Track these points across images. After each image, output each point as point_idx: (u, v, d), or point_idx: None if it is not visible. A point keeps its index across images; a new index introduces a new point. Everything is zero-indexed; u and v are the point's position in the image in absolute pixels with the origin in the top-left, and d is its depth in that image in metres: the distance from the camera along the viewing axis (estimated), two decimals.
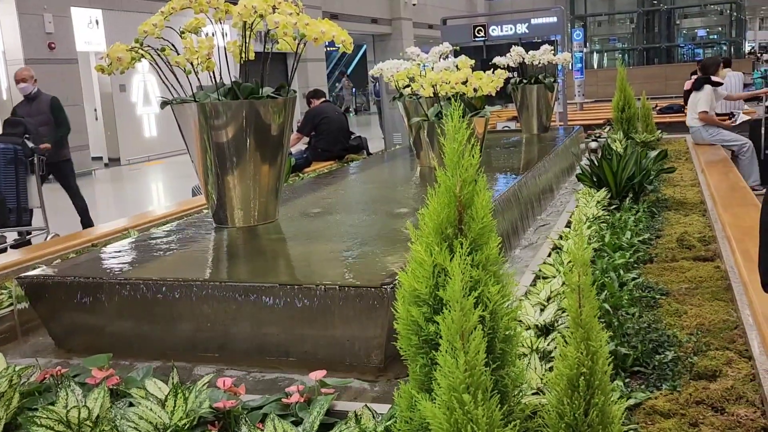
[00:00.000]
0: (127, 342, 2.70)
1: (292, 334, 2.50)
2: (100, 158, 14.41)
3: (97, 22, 13.51)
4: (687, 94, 7.85)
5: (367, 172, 5.84)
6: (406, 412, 1.60)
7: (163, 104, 3.39)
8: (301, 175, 6.65)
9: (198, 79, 3.34)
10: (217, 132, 3.29)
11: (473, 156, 1.65)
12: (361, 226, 3.42)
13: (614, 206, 4.47)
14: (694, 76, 8.29)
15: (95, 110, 14.71)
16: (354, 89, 29.93)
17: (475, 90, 3.98)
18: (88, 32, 13.43)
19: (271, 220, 3.49)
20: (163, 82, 3.28)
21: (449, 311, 1.46)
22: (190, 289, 2.56)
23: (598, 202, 4.41)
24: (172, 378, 1.96)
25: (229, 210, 3.42)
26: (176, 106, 3.36)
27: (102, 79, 14.28)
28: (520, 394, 1.63)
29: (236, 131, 3.29)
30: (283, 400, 1.82)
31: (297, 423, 1.75)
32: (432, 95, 4.09)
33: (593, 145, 7.90)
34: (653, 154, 4.80)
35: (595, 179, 4.85)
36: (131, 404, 1.86)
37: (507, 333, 1.57)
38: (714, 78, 7.18)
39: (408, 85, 4.36)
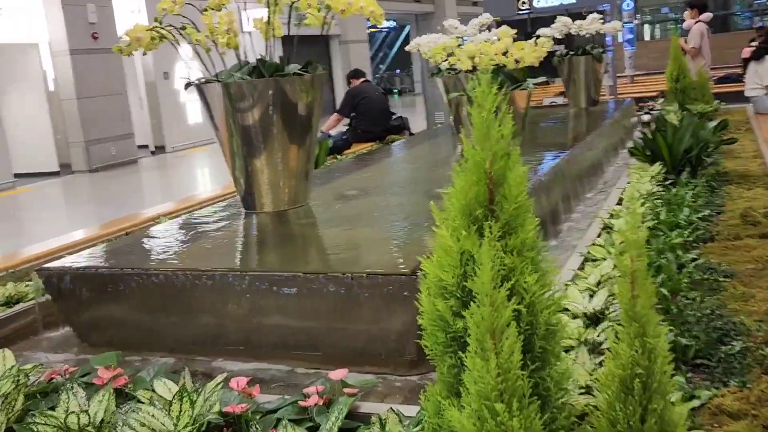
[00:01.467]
0: (150, 335, 2.57)
1: (320, 327, 2.33)
2: (146, 146, 14.48)
3: (139, 9, 13.53)
4: (745, 63, 7.39)
5: (407, 152, 5.63)
6: (433, 419, 1.41)
7: (187, 85, 3.24)
8: (339, 157, 6.48)
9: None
10: (243, 112, 3.12)
11: (505, 126, 1.44)
12: (397, 209, 3.22)
13: (670, 181, 4.18)
14: (754, 44, 7.81)
15: (140, 99, 14.79)
16: (398, 71, 29.63)
17: (516, 62, 3.73)
18: (131, 20, 13.48)
19: (301, 204, 3.32)
20: (203, 63, 3.14)
21: (478, 305, 1.26)
22: (212, 279, 2.40)
23: (653, 177, 4.13)
24: (183, 378, 1.81)
25: (257, 195, 3.26)
26: (200, 87, 3.20)
27: (146, 67, 14.32)
28: (565, 396, 1.42)
29: (262, 111, 3.12)
30: (300, 402, 1.65)
31: (314, 429, 1.57)
32: (471, 68, 3.86)
33: (645, 118, 7.54)
34: (712, 124, 4.47)
35: (648, 153, 4.55)
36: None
37: (548, 328, 1.36)
38: None
39: (446, 59, 4.13)
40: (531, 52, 3.72)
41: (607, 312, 2.19)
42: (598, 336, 2.03)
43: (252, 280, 2.34)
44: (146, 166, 13.14)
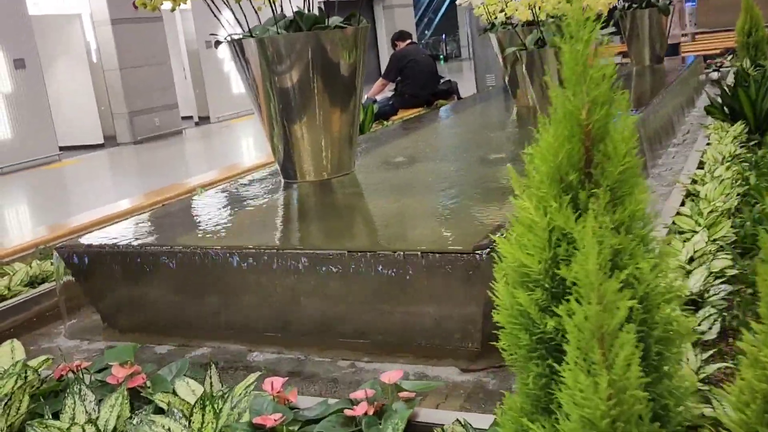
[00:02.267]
0: (179, 320, 2.32)
1: (367, 312, 2.04)
2: (190, 117, 14.34)
3: None
4: None
5: (457, 116, 5.27)
6: None
7: (216, 43, 2.95)
8: (385, 122, 6.16)
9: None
10: (280, 72, 2.83)
11: (607, 65, 1.11)
12: (450, 176, 2.89)
13: (754, 142, 3.76)
14: None
15: (183, 69, 14.62)
16: (443, 36, 28.96)
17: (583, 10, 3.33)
18: None
19: (345, 172, 3.02)
20: (237, 20, 2.85)
21: (580, 302, 0.95)
22: (246, 258, 2.12)
23: (735, 137, 3.71)
24: (209, 377, 1.53)
25: (297, 163, 2.97)
26: (233, 45, 2.91)
27: (188, 36, 14.13)
28: (685, 413, 1.10)
29: (301, 70, 2.81)
30: (346, 411, 1.36)
31: None
32: (530, 20, 3.48)
33: (714, 75, 7.03)
34: None
35: (727, 111, 4.12)
36: (158, 410, 1.45)
37: (667, 328, 1.04)
38: None
39: (502, 10, 3.75)
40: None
41: (706, 295, 1.85)
42: (699, 325, 1.69)
43: (291, 259, 2.06)
44: (190, 136, 13.01)
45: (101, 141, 11.72)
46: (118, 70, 11.58)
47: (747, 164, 3.23)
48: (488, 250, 1.81)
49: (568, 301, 1.01)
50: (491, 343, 1.17)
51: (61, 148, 10.71)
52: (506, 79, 4.71)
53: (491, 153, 3.26)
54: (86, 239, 2.55)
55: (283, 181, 3.05)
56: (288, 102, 2.86)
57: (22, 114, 10.05)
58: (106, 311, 2.45)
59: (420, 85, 7.39)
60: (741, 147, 3.59)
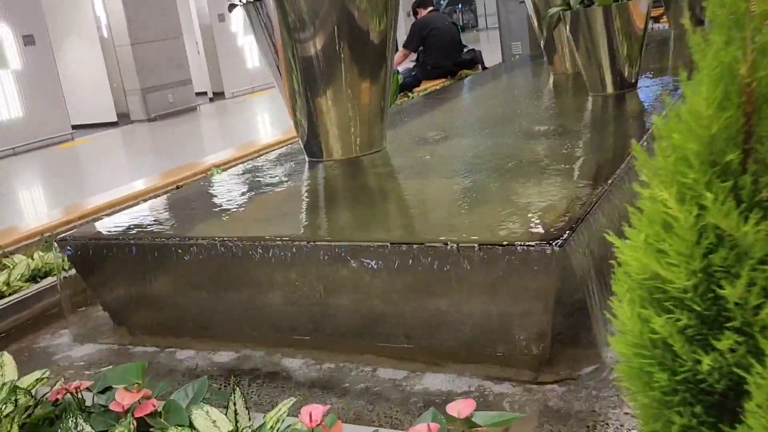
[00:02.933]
0: (197, 319, 2.05)
1: (412, 312, 1.76)
2: (204, 93, 14.05)
3: None
4: None
5: (487, 86, 4.94)
6: None
7: (231, 6, 2.65)
8: (410, 94, 5.84)
9: None
10: (303, 39, 2.53)
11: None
12: (494, 153, 2.59)
13: None
14: None
15: (197, 44, 14.31)
16: (459, 5, 28.37)
17: None
18: None
19: (377, 149, 2.73)
20: None
21: (753, 334, 0.66)
22: (268, 250, 1.84)
23: None
24: (233, 402, 1.26)
25: (323, 139, 2.69)
26: (249, 8, 2.61)
27: (201, 10, 13.80)
28: None
29: (327, 37, 2.51)
30: None
31: None
32: None
33: None
34: None
35: None
36: None
37: None
38: None
39: None
40: None
41: None
42: None
43: (321, 252, 1.78)
44: (205, 113, 12.74)
45: (114, 119, 11.47)
46: (130, 46, 11.28)
47: None
48: (559, 240, 1.52)
49: (731, 331, 0.72)
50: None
51: (74, 127, 10.47)
52: (542, 44, 4.37)
53: (536, 125, 2.95)
54: (90, 229, 2.28)
55: (307, 159, 2.77)
56: (312, 72, 2.56)
57: (33, 92, 9.81)
58: (116, 309, 2.19)
59: (443, 55, 7.05)
60: None
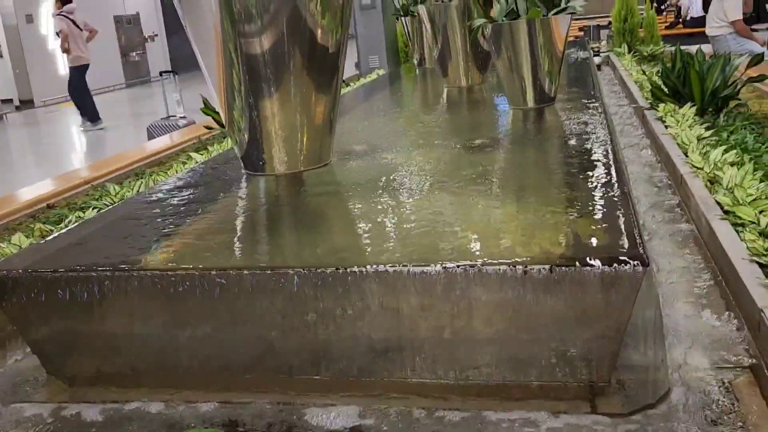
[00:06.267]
0: (155, 364, 1.71)
1: (448, 341, 1.57)
2: (10, 101, 12.68)
3: None
4: (706, 2, 7.03)
5: (389, 97, 4.78)
6: None
7: None
8: None
9: None
10: (249, 36, 2.25)
11: None
12: (443, 167, 2.43)
13: (705, 125, 3.65)
14: None
15: None
16: None
17: None
18: None
19: (325, 163, 2.50)
20: None
21: None
22: (263, 279, 1.57)
23: (694, 120, 3.59)
24: None
25: (266, 151, 2.41)
26: (183, 1, 2.28)
27: (4, 9, 12.47)
28: None
29: (277, 35, 2.25)
30: None
31: None
32: None
33: (597, 60, 7.12)
34: (739, 61, 3.97)
35: (668, 92, 4.02)
36: None
37: None
38: None
39: None
40: None
41: None
42: None
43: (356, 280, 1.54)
44: (13, 122, 11.47)
45: None
46: None
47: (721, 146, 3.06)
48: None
49: None
50: None
51: None
52: (435, 56, 4.33)
53: (470, 138, 2.86)
54: (18, 260, 1.85)
55: (245, 173, 2.47)
56: (257, 73, 2.29)
57: None
58: (46, 355, 1.78)
59: None
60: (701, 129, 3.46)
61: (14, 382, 1.79)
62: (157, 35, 19.38)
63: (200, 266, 1.62)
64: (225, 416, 1.57)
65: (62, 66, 13.37)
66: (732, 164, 2.72)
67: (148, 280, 1.63)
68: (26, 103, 12.71)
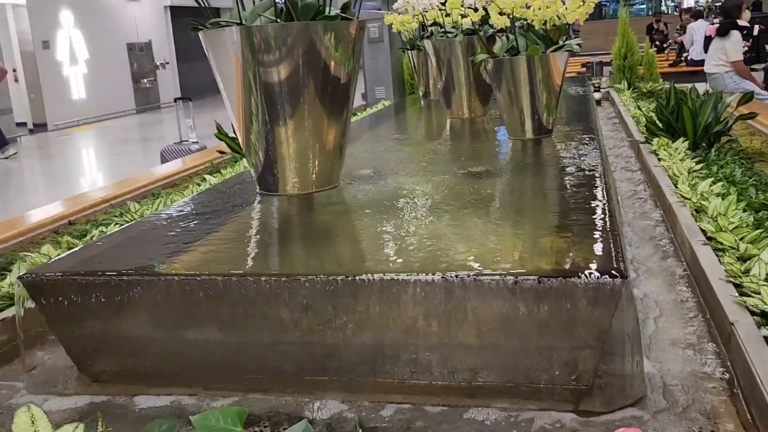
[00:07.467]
0: (180, 365, 1.87)
1: (444, 345, 1.73)
2: (24, 124, 12.96)
3: None
4: (708, 41, 7.25)
5: (386, 127, 4.99)
6: None
7: (193, 30, 2.50)
8: None
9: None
10: (268, 66, 2.44)
11: None
12: (450, 192, 2.61)
13: (696, 158, 3.83)
14: (717, 20, 7.71)
15: (14, 71, 13.20)
16: None
17: (558, 17, 3.23)
18: None
19: (334, 185, 2.68)
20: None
21: None
22: (282, 285, 1.74)
23: (686, 154, 3.77)
24: None
25: (280, 172, 2.58)
26: (208, 33, 2.48)
27: (22, 35, 12.79)
28: None
29: (294, 66, 2.44)
30: None
31: None
32: (505, 25, 3.33)
33: (597, 95, 7.33)
34: (731, 98, 4.17)
35: (662, 127, 4.21)
36: None
37: None
38: (740, 22, 6.58)
39: (435, 23, 3.54)
40: (576, 7, 3.23)
41: None
42: None
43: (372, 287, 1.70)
44: (26, 145, 11.72)
45: None
46: None
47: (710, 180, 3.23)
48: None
49: None
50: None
51: None
52: (440, 87, 4.54)
53: (470, 166, 3.04)
54: (47, 265, 2.02)
55: (259, 192, 2.65)
56: (273, 100, 2.47)
57: None
58: (78, 353, 1.94)
59: None
60: (692, 162, 3.63)
61: (47, 375, 1.95)
62: (168, 63, 19.75)
63: (227, 272, 1.79)
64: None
65: (76, 91, 13.68)
66: (718, 195, 2.89)
67: (172, 285, 1.80)
68: (39, 127, 12.98)
